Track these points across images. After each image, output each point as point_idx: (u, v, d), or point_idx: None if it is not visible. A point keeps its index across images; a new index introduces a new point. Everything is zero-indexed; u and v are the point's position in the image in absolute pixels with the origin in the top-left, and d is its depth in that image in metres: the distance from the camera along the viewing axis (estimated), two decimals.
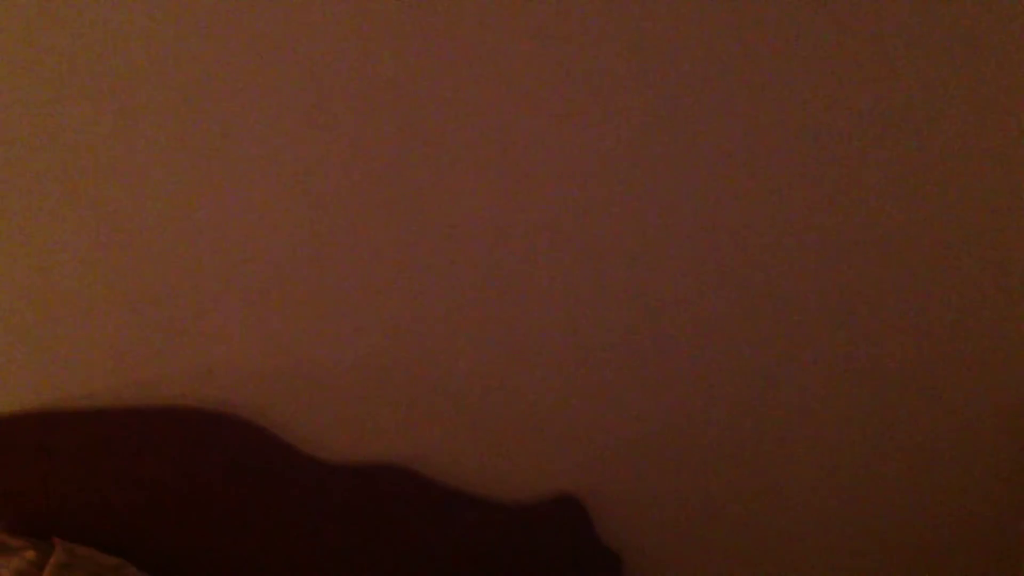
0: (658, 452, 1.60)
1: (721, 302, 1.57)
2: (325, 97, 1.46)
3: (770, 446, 1.61)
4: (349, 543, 1.54)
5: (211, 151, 1.45)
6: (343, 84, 1.46)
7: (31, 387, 1.47)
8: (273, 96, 1.45)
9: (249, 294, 1.50)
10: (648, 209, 1.53)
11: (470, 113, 1.47)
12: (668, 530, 1.62)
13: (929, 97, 1.53)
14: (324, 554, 1.54)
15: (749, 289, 1.57)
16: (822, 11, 1.49)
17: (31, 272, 1.44)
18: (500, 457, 1.58)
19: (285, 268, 1.50)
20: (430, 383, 1.55)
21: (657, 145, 1.52)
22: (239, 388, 1.52)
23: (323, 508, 1.52)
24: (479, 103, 1.48)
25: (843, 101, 1.52)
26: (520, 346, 1.56)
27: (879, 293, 1.58)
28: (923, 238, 1.57)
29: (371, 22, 1.45)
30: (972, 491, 1.64)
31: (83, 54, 1.40)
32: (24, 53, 1.39)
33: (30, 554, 1.39)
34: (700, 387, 1.59)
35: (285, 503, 1.52)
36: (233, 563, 1.52)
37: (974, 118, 1.54)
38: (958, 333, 1.60)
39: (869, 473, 1.63)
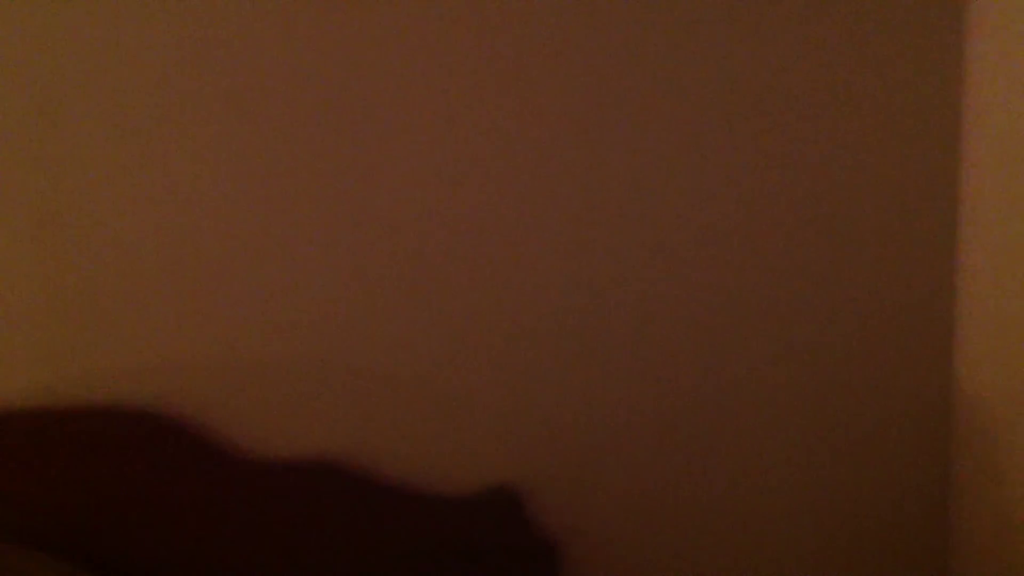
0: (596, 442, 1.59)
1: (670, 289, 1.57)
2: (269, 85, 1.45)
3: (711, 431, 1.60)
4: (282, 540, 1.52)
5: (141, 137, 1.44)
6: (304, 74, 1.45)
7: None
8: (207, 88, 1.44)
9: (178, 288, 1.48)
10: (599, 195, 1.54)
11: (436, 110, 1.48)
12: (606, 522, 1.61)
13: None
14: (257, 552, 1.52)
15: (699, 279, 1.57)
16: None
17: None
18: (435, 448, 1.57)
19: (214, 261, 1.49)
20: (360, 374, 1.54)
21: (628, 142, 1.53)
22: (170, 384, 1.50)
23: (251, 506, 1.50)
24: (460, 102, 1.48)
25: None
26: (456, 331, 1.54)
27: (824, 289, 1.59)
28: (858, 232, 1.59)
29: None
30: (901, 481, 1.64)
31: (8, 49, 1.39)
32: None
33: None
34: (639, 371, 1.58)
35: (217, 501, 1.50)
36: (168, 563, 1.49)
37: (912, 113, 1.57)
38: (888, 324, 1.61)
39: (816, 466, 1.63)
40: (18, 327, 1.45)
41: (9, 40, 1.40)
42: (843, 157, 1.57)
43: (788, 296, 1.59)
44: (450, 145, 1.51)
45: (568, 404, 1.58)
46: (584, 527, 1.60)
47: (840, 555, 1.64)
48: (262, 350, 1.51)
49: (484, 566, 1.55)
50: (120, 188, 1.44)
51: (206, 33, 1.44)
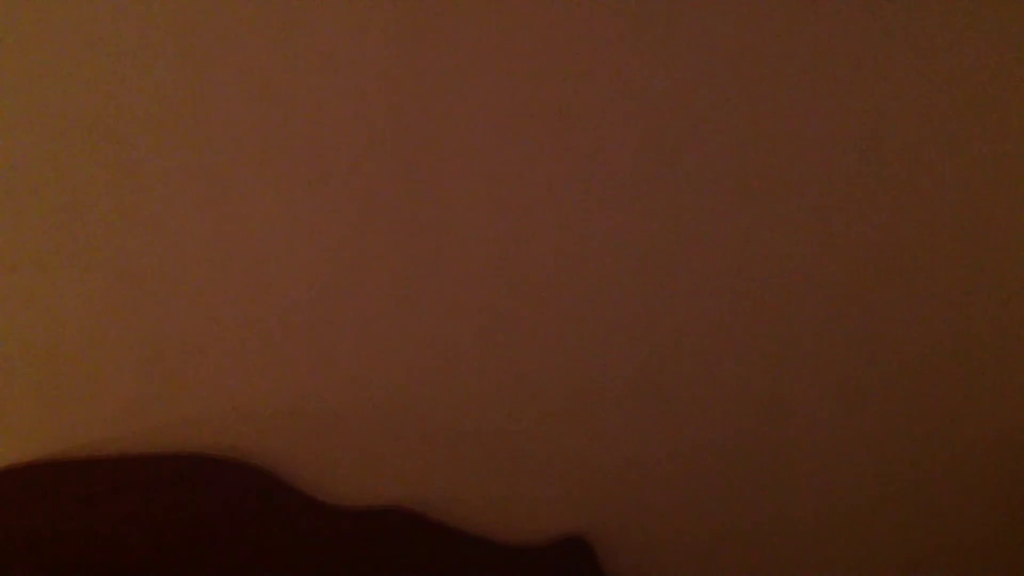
0: (666, 490, 1.60)
1: (726, 338, 1.57)
2: (330, 140, 1.48)
3: (779, 481, 1.60)
4: None
5: (214, 197, 1.47)
6: (348, 125, 1.47)
7: (39, 437, 1.48)
8: (276, 141, 1.46)
9: (253, 340, 1.51)
10: (655, 245, 1.54)
11: (475, 154, 1.49)
12: (677, 569, 1.61)
13: (931, 103, 1.53)
14: None
15: (751, 320, 1.57)
16: (822, 15, 1.50)
17: (37, 324, 1.45)
18: (507, 498, 1.58)
19: (289, 313, 1.51)
20: (435, 425, 1.55)
21: (659, 184, 1.53)
22: (245, 433, 1.52)
23: (330, 552, 1.53)
24: (487, 145, 1.49)
25: (845, 107, 1.52)
26: (527, 385, 1.56)
27: (890, 313, 1.57)
28: (930, 251, 1.57)
29: (370, 38, 1.47)
30: (979, 510, 1.63)
31: (84, 107, 1.42)
32: (28, 108, 1.40)
33: None
34: (707, 422, 1.59)
35: (292, 547, 1.52)
36: None
37: (978, 122, 1.54)
38: (962, 350, 1.59)
39: (886, 508, 1.62)
40: (106, 378, 1.48)
41: (91, 105, 1.44)
42: (939, 171, 1.55)
43: (859, 324, 1.58)
44: (525, 202, 1.52)
45: (639, 453, 1.59)
46: (655, 574, 1.61)
47: None
48: (341, 400, 1.54)
49: None
50: (202, 241, 1.47)
51: (285, 91, 1.47)
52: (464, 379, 1.55)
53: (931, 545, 1.63)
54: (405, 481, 1.56)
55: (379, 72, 1.46)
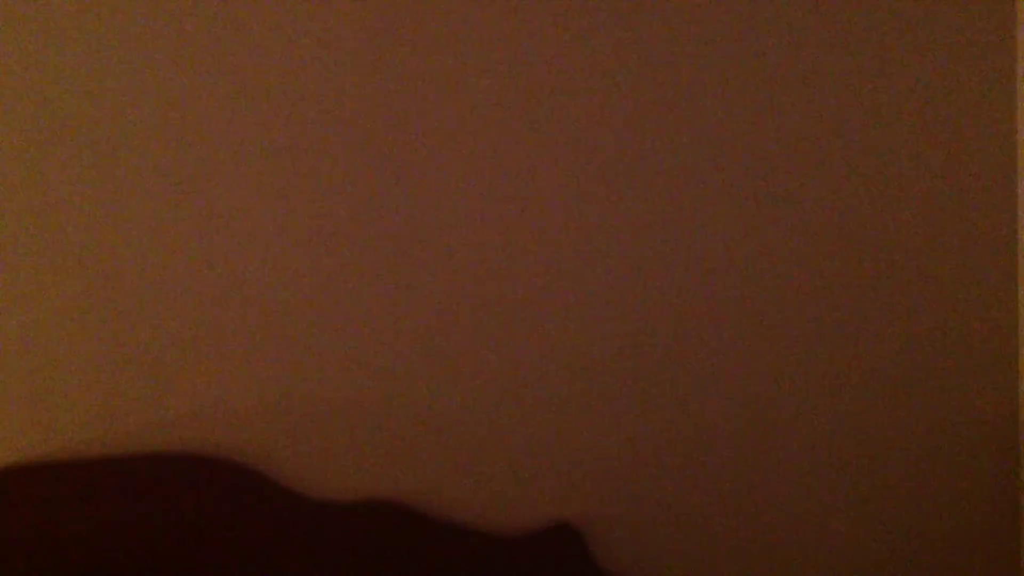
0: (657, 478, 1.59)
1: (714, 327, 1.57)
2: (314, 133, 1.49)
3: (770, 468, 1.60)
4: None
5: (196, 201, 1.48)
6: (333, 119, 1.49)
7: (24, 439, 1.48)
8: (259, 147, 1.48)
9: (234, 338, 1.52)
10: (648, 235, 1.55)
11: (460, 144, 1.51)
12: (669, 558, 1.60)
13: (924, 100, 1.54)
14: None
15: (742, 309, 1.58)
16: (820, 13, 1.52)
17: (15, 323, 1.46)
18: (494, 488, 1.57)
19: (272, 310, 1.52)
20: (419, 416, 1.55)
21: (653, 162, 1.54)
22: (229, 431, 1.52)
23: (317, 547, 1.52)
24: (473, 136, 1.51)
25: (841, 104, 1.54)
26: (511, 375, 1.56)
27: (877, 307, 1.58)
28: (918, 244, 1.58)
29: (366, 36, 1.49)
30: (970, 495, 1.62)
31: (67, 108, 1.44)
32: (8, 106, 1.42)
33: None
34: (696, 408, 1.59)
35: (280, 544, 1.52)
36: None
37: (969, 121, 1.55)
38: (950, 338, 1.59)
39: (875, 494, 1.61)
40: (84, 377, 1.49)
41: (70, 94, 1.46)
42: (926, 164, 1.56)
43: (845, 315, 1.59)
44: (513, 194, 1.53)
45: (626, 440, 1.59)
46: (647, 564, 1.60)
47: None
48: (325, 395, 1.54)
49: None
50: (184, 238, 1.49)
51: (269, 87, 1.49)
52: (450, 370, 1.55)
53: (921, 519, 1.62)
54: (392, 474, 1.56)
55: (361, 64, 1.48)
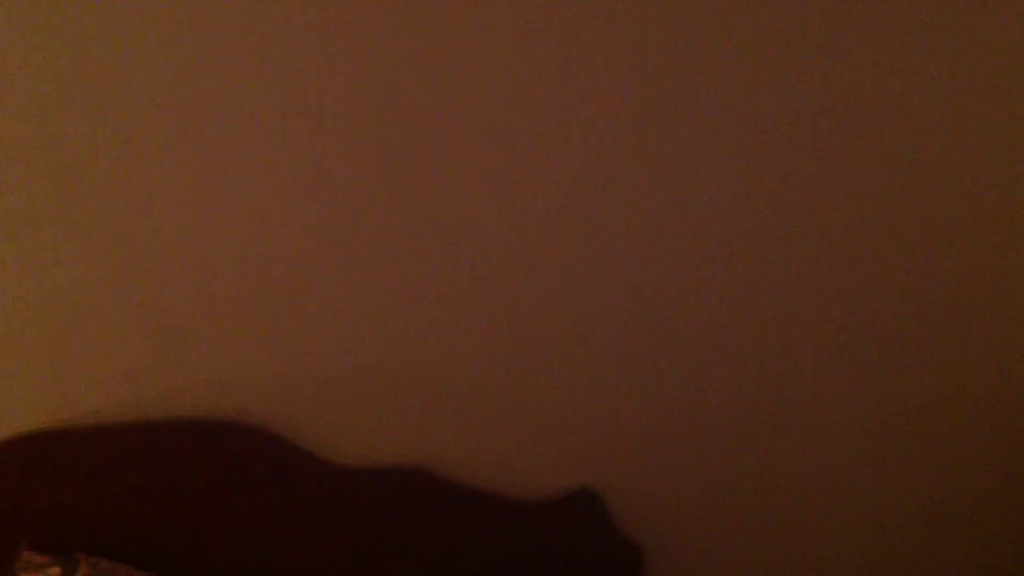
0: (674, 443, 1.60)
1: (730, 294, 1.56)
2: (327, 107, 1.45)
3: (787, 436, 1.60)
4: (366, 546, 1.55)
5: (215, 165, 1.45)
6: (345, 95, 1.44)
7: (43, 405, 1.47)
8: (277, 108, 1.44)
9: (257, 303, 1.50)
10: (650, 202, 1.52)
11: (468, 120, 1.47)
12: (688, 521, 1.62)
13: (927, 95, 1.51)
14: (342, 558, 1.55)
15: (756, 281, 1.56)
16: (820, 11, 1.47)
17: (38, 291, 1.44)
18: (515, 454, 1.58)
19: (292, 276, 1.50)
20: (441, 383, 1.55)
21: (654, 141, 1.51)
22: (251, 396, 1.52)
23: (339, 512, 1.53)
24: (478, 110, 1.47)
25: (841, 101, 1.50)
26: (531, 341, 1.55)
27: (881, 284, 1.57)
28: (923, 234, 1.56)
29: (369, 30, 1.44)
30: (977, 485, 1.63)
31: (84, 71, 1.39)
32: (25, 69, 1.38)
33: (55, 570, 1.41)
34: (716, 376, 1.58)
35: (301, 508, 1.53)
36: (251, 570, 1.53)
37: (975, 115, 1.52)
38: (958, 327, 1.59)
39: (885, 463, 1.62)
40: (107, 345, 1.48)
41: (90, 76, 1.41)
42: (932, 157, 1.53)
43: (867, 296, 1.57)
44: (520, 160, 1.50)
45: (646, 408, 1.59)
46: (666, 528, 1.62)
47: (923, 558, 1.64)
48: (346, 361, 1.53)
49: (568, 569, 1.57)
50: (204, 207, 1.46)
51: (282, 69, 1.44)
52: (474, 338, 1.54)
53: (929, 495, 1.64)
54: (413, 440, 1.56)
55: (368, 51, 1.43)
